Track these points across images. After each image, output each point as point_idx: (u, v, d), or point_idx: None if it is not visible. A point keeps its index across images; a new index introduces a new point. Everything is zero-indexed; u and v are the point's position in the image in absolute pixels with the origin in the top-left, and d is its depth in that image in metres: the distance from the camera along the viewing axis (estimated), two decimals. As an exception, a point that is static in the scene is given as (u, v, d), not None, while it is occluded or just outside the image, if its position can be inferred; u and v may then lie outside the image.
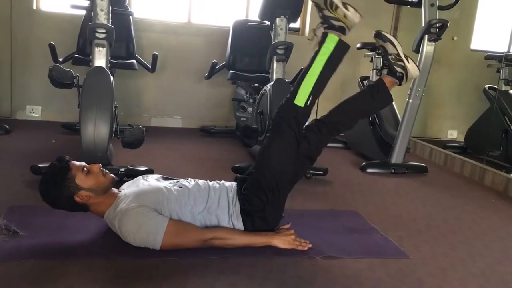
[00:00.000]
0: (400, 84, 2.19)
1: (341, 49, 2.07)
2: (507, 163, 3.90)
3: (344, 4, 2.05)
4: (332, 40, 2.04)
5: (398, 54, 2.16)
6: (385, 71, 2.20)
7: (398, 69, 2.15)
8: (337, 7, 2.03)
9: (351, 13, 2.04)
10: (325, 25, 2.06)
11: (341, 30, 2.06)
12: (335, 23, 2.03)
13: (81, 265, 1.74)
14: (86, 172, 1.91)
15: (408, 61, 2.17)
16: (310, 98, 2.04)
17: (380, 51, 2.21)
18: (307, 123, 2.16)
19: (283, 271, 1.82)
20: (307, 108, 2.05)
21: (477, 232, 2.49)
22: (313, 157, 2.14)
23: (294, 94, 2.05)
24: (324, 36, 2.05)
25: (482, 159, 3.80)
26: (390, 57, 2.17)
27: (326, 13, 2.04)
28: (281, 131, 2.03)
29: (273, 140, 2.05)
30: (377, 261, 1.98)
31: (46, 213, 2.19)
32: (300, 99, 2.03)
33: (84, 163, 1.96)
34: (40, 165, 2.70)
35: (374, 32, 2.20)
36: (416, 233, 2.37)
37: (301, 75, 2.08)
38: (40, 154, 3.22)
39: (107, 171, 1.99)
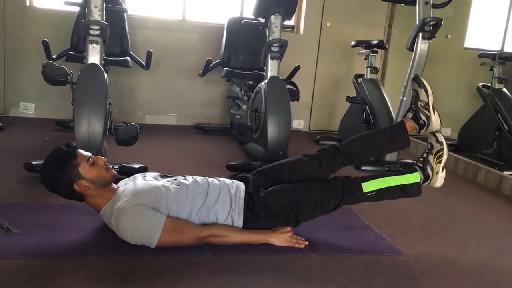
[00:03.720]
0: (418, 132, 2.27)
1: (415, 190, 2.17)
2: (500, 161, 3.92)
3: (434, 108, 2.22)
4: (416, 178, 2.16)
5: (427, 104, 2.24)
6: (409, 115, 2.27)
7: (423, 117, 2.23)
8: (440, 163, 2.16)
9: (441, 176, 2.17)
10: (421, 165, 2.19)
11: (426, 178, 2.17)
12: (428, 170, 2.17)
13: (75, 263, 1.73)
14: (91, 163, 1.93)
15: (434, 113, 2.24)
16: (373, 194, 2.12)
17: (412, 95, 2.28)
18: (324, 147, 2.26)
19: (278, 268, 1.83)
20: (364, 197, 2.12)
21: (470, 229, 2.51)
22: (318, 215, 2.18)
23: (368, 178, 2.14)
24: (414, 170, 2.19)
25: (475, 157, 3.82)
26: (419, 103, 2.24)
27: (431, 158, 2.18)
28: (335, 191, 2.09)
29: (326, 189, 2.10)
30: (371, 258, 1.99)
31: (40, 210, 2.20)
32: (368, 186, 2.11)
33: (90, 154, 1.98)
34: (33, 163, 2.69)
35: (413, 75, 2.25)
36: (409, 231, 2.39)
37: (384, 172, 2.22)
38: (34, 152, 3.21)
39: (110, 166, 2.01)
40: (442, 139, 2.19)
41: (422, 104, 2.22)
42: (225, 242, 1.93)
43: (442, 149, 2.16)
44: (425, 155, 2.21)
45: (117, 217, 1.86)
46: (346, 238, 2.19)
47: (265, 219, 2.05)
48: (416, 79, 2.26)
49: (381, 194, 2.14)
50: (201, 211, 1.98)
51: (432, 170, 2.16)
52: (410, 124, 2.24)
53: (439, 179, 2.17)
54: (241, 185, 2.10)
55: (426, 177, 2.17)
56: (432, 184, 2.18)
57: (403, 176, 2.17)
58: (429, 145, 2.22)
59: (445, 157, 2.16)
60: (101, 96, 2.78)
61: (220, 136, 4.51)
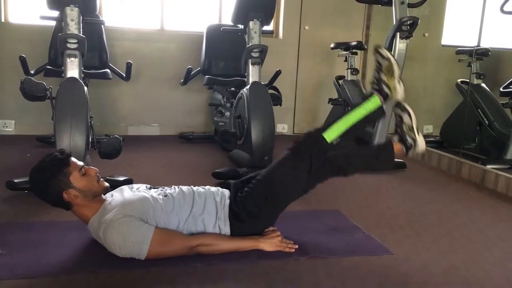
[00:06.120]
0: (406, 155, 2.27)
1: (378, 114, 2.20)
2: (482, 155, 3.97)
3: (400, 79, 2.20)
4: (375, 102, 2.18)
5: (412, 127, 2.24)
6: (395, 138, 2.27)
7: (409, 139, 2.23)
8: (393, 76, 2.17)
9: (400, 89, 2.18)
10: (376, 87, 2.20)
11: (385, 97, 2.19)
12: (385, 88, 2.18)
13: (63, 280, 1.70)
14: (82, 173, 1.92)
15: (419, 134, 2.25)
16: (338, 140, 2.10)
17: (396, 120, 2.29)
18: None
19: (269, 274, 1.82)
20: (332, 147, 2.10)
21: (457, 224, 2.53)
22: (307, 189, 2.15)
23: (325, 127, 2.13)
24: (370, 95, 2.19)
25: (458, 152, 3.87)
26: (404, 126, 2.24)
27: (383, 76, 2.18)
28: (300, 155, 2.07)
29: (290, 160, 2.09)
30: (361, 259, 2.00)
31: (24, 229, 2.16)
32: (330, 135, 2.10)
33: (82, 163, 1.96)
34: (15, 181, 2.65)
35: (394, 101, 2.26)
36: (398, 229, 2.40)
37: (339, 115, 2.17)
38: (15, 169, 3.15)
39: (102, 178, 1.99)
40: (387, 54, 2.19)
41: (407, 127, 2.24)
42: (215, 251, 1.92)
43: (390, 64, 2.17)
44: (377, 75, 2.21)
45: (105, 229, 1.83)
46: (335, 240, 2.19)
47: (251, 222, 2.03)
48: (398, 105, 2.25)
49: (349, 134, 2.12)
50: (188, 221, 1.96)
51: (389, 87, 2.16)
52: (398, 147, 2.25)
53: (399, 92, 2.18)
54: (226, 192, 2.10)
55: (385, 96, 2.18)
56: (395, 99, 2.18)
57: (361, 106, 2.16)
58: (377, 64, 2.22)
59: (396, 69, 2.17)
60: (82, 109, 2.75)
61: (204, 144, 4.49)
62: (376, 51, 2.22)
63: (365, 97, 2.21)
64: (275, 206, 2.06)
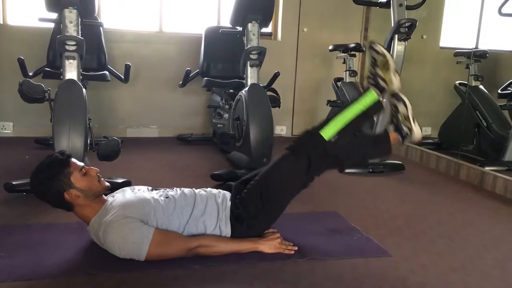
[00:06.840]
0: (402, 143, 2.26)
1: (376, 108, 2.19)
2: (480, 157, 3.97)
3: (395, 71, 2.19)
4: (371, 96, 2.17)
5: (407, 116, 2.23)
6: (391, 127, 2.26)
7: (405, 129, 2.22)
8: (388, 69, 2.16)
9: (396, 80, 2.17)
10: (372, 81, 2.20)
11: (381, 90, 2.18)
12: (381, 82, 2.17)
13: (62, 283, 1.70)
14: (83, 173, 1.92)
15: (415, 123, 2.24)
16: (336, 137, 2.08)
17: (391, 109, 2.27)
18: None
19: (267, 276, 1.82)
20: (330, 144, 2.08)
21: (455, 226, 2.53)
22: (307, 184, 2.16)
23: (323, 125, 2.11)
24: (366, 89, 2.19)
25: (456, 154, 3.87)
26: (400, 116, 2.23)
27: (378, 70, 2.18)
28: (297, 154, 2.07)
29: (287, 159, 2.09)
30: (360, 261, 2.00)
31: (22, 231, 2.16)
32: (327, 132, 2.08)
33: (83, 164, 1.97)
34: (14, 183, 2.65)
35: (390, 92, 2.24)
36: (396, 231, 2.40)
37: (335, 112, 2.16)
38: (14, 171, 3.15)
39: (102, 178, 1.99)
40: (381, 49, 2.18)
41: (403, 116, 2.22)
42: (214, 253, 1.92)
43: (385, 58, 2.16)
44: (372, 70, 2.21)
45: (105, 230, 1.84)
46: (333, 242, 2.19)
47: (250, 222, 2.03)
48: (395, 95, 2.24)
49: (346, 131, 2.10)
50: (189, 222, 1.97)
51: (384, 80, 2.16)
52: (394, 136, 2.25)
53: (395, 84, 2.17)
54: (227, 194, 2.11)
55: (382, 89, 2.17)
56: (391, 90, 2.18)
57: (358, 102, 2.16)
58: (372, 59, 2.22)
59: (391, 63, 2.16)
60: (80, 111, 2.75)
61: (203, 146, 4.49)
62: (371, 47, 2.22)
63: (361, 93, 2.21)
64: (273, 205, 2.06)
